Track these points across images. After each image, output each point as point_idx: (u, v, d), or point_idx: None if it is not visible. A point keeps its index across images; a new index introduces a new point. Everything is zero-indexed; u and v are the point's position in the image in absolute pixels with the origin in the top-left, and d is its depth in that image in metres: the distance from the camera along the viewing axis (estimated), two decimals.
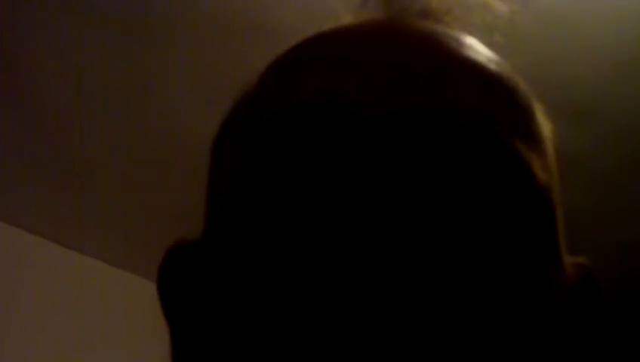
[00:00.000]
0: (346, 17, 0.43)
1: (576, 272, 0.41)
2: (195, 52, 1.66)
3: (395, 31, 0.39)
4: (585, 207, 2.09)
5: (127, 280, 2.20)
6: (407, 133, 0.34)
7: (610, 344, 2.64)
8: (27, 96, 1.77)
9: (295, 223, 0.34)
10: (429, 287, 0.32)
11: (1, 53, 1.64)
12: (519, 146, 0.36)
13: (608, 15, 1.62)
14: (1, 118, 1.81)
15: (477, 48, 0.39)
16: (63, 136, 1.87)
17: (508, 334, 0.33)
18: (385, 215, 0.32)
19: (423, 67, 0.36)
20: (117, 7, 1.57)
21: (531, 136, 0.37)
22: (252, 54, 1.59)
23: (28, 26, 1.59)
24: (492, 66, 0.38)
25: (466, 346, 0.32)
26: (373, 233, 0.32)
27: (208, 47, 1.63)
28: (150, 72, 1.71)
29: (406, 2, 0.42)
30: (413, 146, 0.34)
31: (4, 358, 2.00)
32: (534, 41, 1.67)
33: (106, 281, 2.19)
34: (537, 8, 1.60)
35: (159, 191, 2.00)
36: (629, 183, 2.03)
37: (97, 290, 2.18)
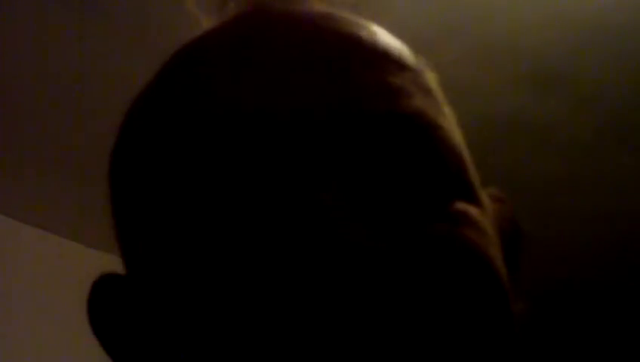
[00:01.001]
0: (208, 21, 0.42)
1: (499, 211, 0.42)
2: (164, 28, 1.64)
3: (274, 22, 0.39)
4: (560, 175, 2.10)
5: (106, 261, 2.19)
6: (316, 126, 0.35)
7: (586, 310, 2.67)
8: None
9: (228, 232, 0.34)
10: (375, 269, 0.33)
11: None
12: (422, 108, 0.37)
13: None
14: None
15: (355, 23, 0.39)
16: (35, 125, 1.86)
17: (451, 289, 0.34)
18: (314, 205, 0.33)
19: (314, 56, 0.37)
20: None
21: (428, 93, 0.39)
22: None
23: None
24: (375, 37, 0.39)
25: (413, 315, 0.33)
26: (307, 225, 0.33)
27: (176, 23, 1.62)
28: (106, 49, 1.69)
29: None
30: (325, 137, 0.35)
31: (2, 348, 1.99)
32: (497, 10, 1.66)
33: (88, 264, 2.19)
34: None
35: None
36: (603, 151, 2.04)
37: (84, 274, 2.18)
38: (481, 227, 0.37)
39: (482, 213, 0.38)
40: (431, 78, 0.41)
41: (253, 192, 0.34)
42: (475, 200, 0.38)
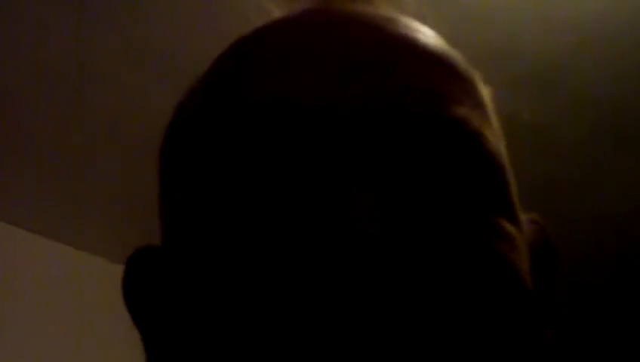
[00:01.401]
0: (276, 12, 0.43)
1: (535, 234, 0.43)
2: (144, 28, 1.63)
3: (332, 19, 0.39)
4: (556, 177, 2.10)
5: (92, 263, 2.19)
6: (361, 125, 0.35)
7: (584, 311, 2.67)
8: None
9: (261, 219, 0.35)
10: (399, 273, 0.32)
11: None
12: (469, 116, 0.37)
13: None
14: None
15: (413, 27, 0.40)
16: (15, 119, 1.84)
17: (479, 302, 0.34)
18: (351, 204, 0.33)
19: (365, 54, 0.37)
20: None
21: (478, 105, 0.39)
22: (203, 29, 1.57)
23: None
24: (430, 43, 0.39)
25: (435, 321, 0.33)
26: (340, 222, 0.33)
27: (157, 23, 1.61)
28: (97, 49, 1.68)
29: None
30: (369, 137, 0.35)
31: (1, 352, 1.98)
32: (495, 10, 1.66)
33: (79, 269, 2.18)
34: None
35: (112, 169, 1.96)
36: (596, 155, 2.05)
37: (71, 278, 2.18)
38: (512, 241, 0.36)
39: (518, 231, 0.38)
40: (484, 93, 0.41)
41: (290, 184, 0.35)
42: (512, 217, 0.38)
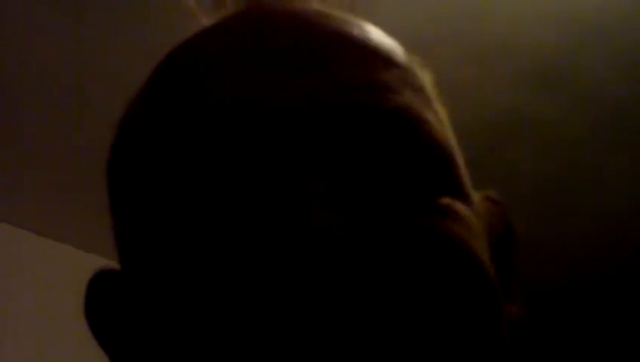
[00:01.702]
0: (204, 19, 0.43)
1: (492, 212, 0.42)
2: (144, 27, 1.64)
3: (267, 19, 0.40)
4: (557, 173, 2.10)
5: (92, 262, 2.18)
6: (304, 121, 0.36)
7: (585, 307, 2.67)
8: None
9: (219, 225, 0.35)
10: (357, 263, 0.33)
11: None
12: (408, 104, 0.38)
13: None
14: None
15: (346, 20, 0.40)
16: (18, 123, 1.85)
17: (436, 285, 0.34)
18: (303, 194, 0.34)
19: (302, 51, 0.38)
20: None
21: (417, 91, 0.39)
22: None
23: None
24: (364, 35, 0.40)
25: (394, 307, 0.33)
26: (294, 214, 0.33)
27: (158, 22, 1.61)
28: (99, 50, 1.69)
29: None
30: (313, 132, 0.36)
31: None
32: (497, 7, 1.66)
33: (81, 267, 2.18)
34: None
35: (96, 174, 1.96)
36: (601, 150, 2.04)
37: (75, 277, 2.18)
38: (466, 221, 0.37)
39: (469, 210, 0.38)
40: (423, 77, 0.41)
41: (242, 182, 0.35)
42: (462, 197, 0.38)
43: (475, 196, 0.40)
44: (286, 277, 0.33)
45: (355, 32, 0.39)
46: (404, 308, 0.33)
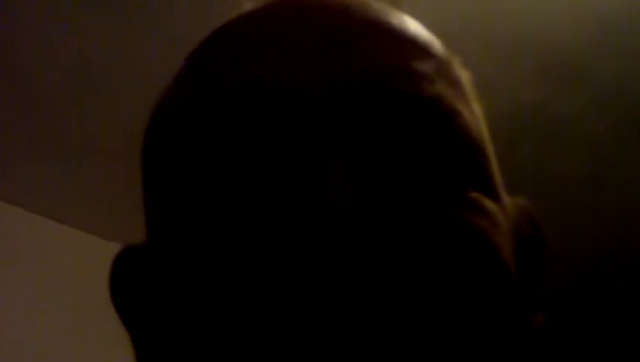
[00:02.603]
0: (246, 3, 0.44)
1: (521, 217, 0.42)
2: (184, 26, 1.64)
3: (302, 4, 0.40)
4: (579, 172, 2.09)
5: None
6: (332, 103, 0.35)
7: (606, 306, 2.66)
8: (9, 72, 1.75)
9: (240, 201, 0.35)
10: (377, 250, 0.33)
11: None
12: (442, 94, 0.37)
13: None
14: None
15: (384, 10, 0.40)
16: (52, 115, 1.86)
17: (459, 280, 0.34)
18: (324, 176, 0.33)
19: (335, 34, 0.38)
20: None
21: (452, 84, 0.39)
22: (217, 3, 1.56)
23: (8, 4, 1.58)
24: (401, 24, 0.40)
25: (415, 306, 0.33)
26: (314, 196, 0.33)
27: (197, 20, 1.62)
28: (137, 47, 1.69)
29: None
30: (340, 114, 0.35)
31: None
32: (514, 5, 1.65)
33: (97, 255, 2.18)
34: None
35: (114, 150, 1.92)
36: (622, 147, 2.03)
37: (89, 264, 2.18)
38: (493, 218, 0.36)
39: (497, 207, 0.37)
40: (459, 71, 0.41)
41: (265, 159, 0.35)
42: (491, 193, 0.38)
43: (505, 196, 0.40)
44: (302, 250, 0.33)
45: (393, 20, 0.39)
46: (417, 294, 0.33)
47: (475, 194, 0.36)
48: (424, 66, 0.38)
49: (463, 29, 1.67)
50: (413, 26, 0.40)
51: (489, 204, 0.37)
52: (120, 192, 2.03)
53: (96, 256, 2.17)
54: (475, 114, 0.40)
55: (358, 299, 0.32)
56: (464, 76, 0.41)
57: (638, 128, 1.97)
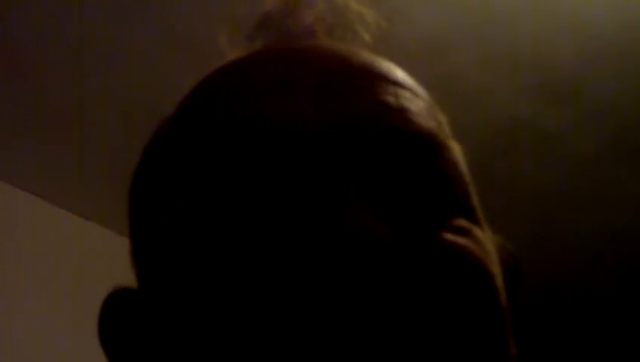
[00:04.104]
0: (235, 53, 0.45)
1: (504, 251, 0.44)
2: (181, 17, 1.64)
3: (299, 50, 0.42)
4: (560, 185, 2.10)
5: (107, 237, 2.18)
6: (343, 137, 0.38)
7: (583, 321, 2.67)
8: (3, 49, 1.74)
9: (250, 237, 0.36)
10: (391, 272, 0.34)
11: None
12: (436, 130, 0.40)
13: None
14: None
15: (372, 57, 0.43)
16: (43, 90, 1.84)
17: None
18: (341, 205, 0.35)
19: (341, 77, 0.40)
20: None
21: (440, 122, 0.42)
22: (239, 16, 1.56)
23: None
24: (392, 70, 0.42)
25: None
26: (334, 222, 0.35)
27: (194, 11, 1.63)
28: (133, 28, 1.69)
29: (287, 27, 0.46)
30: (351, 147, 0.38)
31: None
32: (519, 19, 1.67)
33: (88, 238, 2.18)
34: None
35: (114, 131, 1.94)
36: (608, 166, 2.04)
37: (79, 247, 2.18)
38: (483, 245, 0.38)
39: (485, 236, 0.40)
40: (441, 114, 0.43)
41: (276, 197, 0.37)
42: (478, 224, 0.40)
43: (487, 225, 0.42)
44: (325, 278, 0.34)
45: (384, 65, 0.42)
46: (417, 314, 0.34)
47: (465, 223, 0.39)
48: (415, 105, 0.41)
49: (461, 39, 1.68)
50: (400, 72, 0.43)
51: (478, 231, 0.39)
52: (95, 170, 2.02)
53: (91, 241, 2.17)
54: (457, 150, 0.42)
55: (373, 318, 0.34)
56: (443, 119, 0.44)
57: (626, 149, 1.98)
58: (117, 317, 0.43)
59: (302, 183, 0.37)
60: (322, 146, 0.37)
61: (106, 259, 2.06)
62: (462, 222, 0.38)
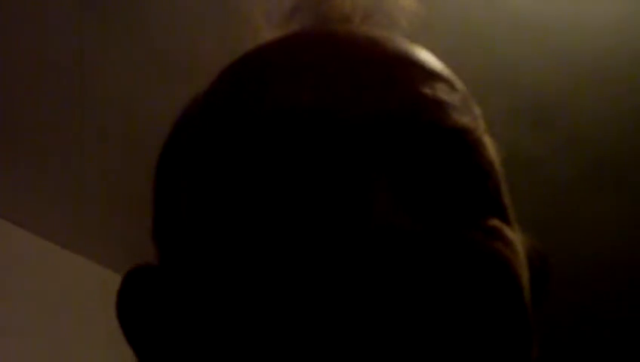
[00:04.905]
0: (267, 34, 0.45)
1: (533, 252, 0.44)
2: (152, 28, 1.62)
3: (335, 37, 0.41)
4: (541, 215, 2.09)
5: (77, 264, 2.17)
6: (376, 128, 0.37)
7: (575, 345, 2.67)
8: None
9: (276, 227, 0.36)
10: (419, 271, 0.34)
11: None
12: (472, 125, 0.39)
13: (575, 21, 1.62)
14: None
15: (409, 45, 0.42)
16: (15, 118, 1.81)
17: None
18: (370, 199, 0.35)
19: (376, 65, 0.39)
20: None
21: (476, 116, 0.41)
22: (214, 32, 1.56)
23: None
24: (429, 59, 0.41)
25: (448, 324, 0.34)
26: (361, 216, 0.34)
27: (166, 24, 1.60)
28: (106, 48, 1.66)
29: (323, 11, 0.45)
30: (384, 138, 0.37)
31: None
32: (499, 42, 1.67)
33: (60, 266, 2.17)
34: (503, 9, 1.60)
35: (114, 169, 1.94)
36: (586, 193, 2.04)
37: (79, 285, 2.17)
38: (513, 246, 0.38)
39: (516, 236, 0.39)
40: (476, 107, 0.42)
41: (308, 184, 0.36)
42: (509, 224, 0.39)
43: (517, 225, 0.41)
44: (350, 270, 0.33)
45: (421, 54, 0.41)
46: (440, 309, 0.34)
47: (497, 222, 0.38)
48: (453, 99, 0.40)
49: (442, 60, 1.67)
50: (438, 62, 0.42)
51: (508, 231, 0.38)
52: (71, 193, 1.99)
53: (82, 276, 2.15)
54: (493, 145, 0.42)
55: (399, 312, 0.33)
56: (477, 111, 0.43)
57: (604, 176, 1.99)
58: (135, 293, 0.43)
59: (332, 173, 0.36)
60: (355, 137, 0.36)
61: (106, 299, 2.05)
62: (493, 222, 0.38)
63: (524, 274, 0.38)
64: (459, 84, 0.42)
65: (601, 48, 1.66)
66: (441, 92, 0.39)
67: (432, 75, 0.40)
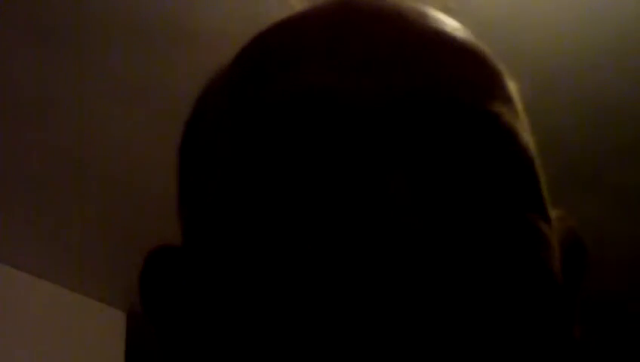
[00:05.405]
0: (297, 4, 0.42)
1: (564, 232, 0.41)
2: (112, 55, 1.60)
3: (360, 12, 0.39)
4: None
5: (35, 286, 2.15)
6: (396, 114, 0.35)
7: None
8: None
9: (294, 211, 0.34)
10: (437, 267, 0.32)
11: None
12: (502, 111, 0.36)
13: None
14: None
15: (440, 19, 0.39)
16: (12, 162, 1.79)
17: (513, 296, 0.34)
18: (382, 190, 0.33)
19: (396, 46, 0.37)
20: (29, 9, 1.50)
21: (508, 99, 0.38)
22: (170, 57, 1.55)
23: None
24: (459, 35, 0.39)
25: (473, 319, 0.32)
26: (371, 211, 0.33)
27: (125, 50, 1.58)
28: (64, 75, 1.64)
29: None
30: (399, 126, 0.34)
31: None
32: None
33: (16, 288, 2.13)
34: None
35: (73, 196, 1.92)
36: (560, 196, 2.03)
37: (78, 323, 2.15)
38: (548, 244, 0.36)
39: (550, 230, 0.37)
40: (511, 87, 0.40)
41: (321, 173, 0.35)
42: (543, 213, 0.37)
43: (552, 213, 0.39)
44: (359, 264, 0.32)
45: (450, 31, 0.38)
46: (480, 316, 0.33)
47: (532, 217, 0.36)
48: (484, 81, 0.37)
49: None
50: (469, 37, 0.39)
51: (544, 227, 0.36)
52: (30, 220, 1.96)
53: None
54: (526, 129, 0.39)
55: (416, 313, 0.32)
56: (512, 87, 0.40)
57: (578, 179, 2.01)
58: (158, 272, 0.42)
59: (347, 161, 0.34)
60: (376, 122, 0.34)
61: (107, 336, 2.04)
62: (528, 218, 0.35)
63: (557, 268, 0.36)
64: (491, 60, 0.39)
65: (571, 52, 1.68)
66: (471, 72, 0.37)
67: (461, 54, 0.37)
